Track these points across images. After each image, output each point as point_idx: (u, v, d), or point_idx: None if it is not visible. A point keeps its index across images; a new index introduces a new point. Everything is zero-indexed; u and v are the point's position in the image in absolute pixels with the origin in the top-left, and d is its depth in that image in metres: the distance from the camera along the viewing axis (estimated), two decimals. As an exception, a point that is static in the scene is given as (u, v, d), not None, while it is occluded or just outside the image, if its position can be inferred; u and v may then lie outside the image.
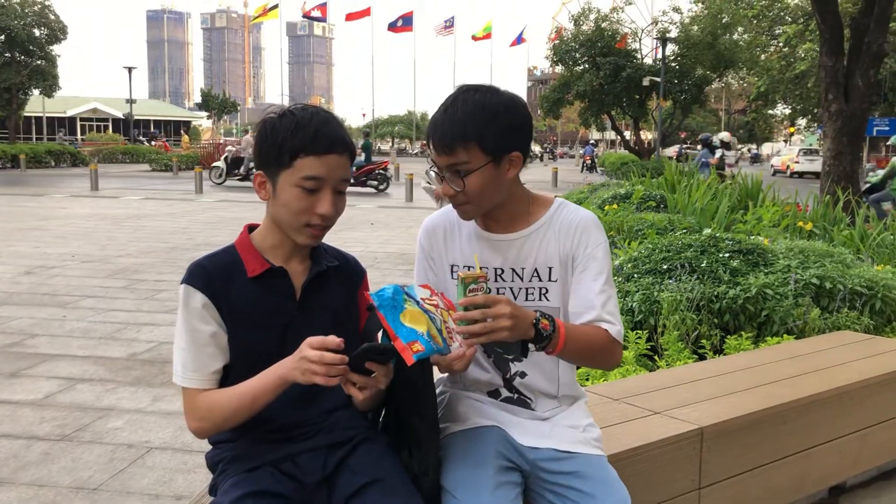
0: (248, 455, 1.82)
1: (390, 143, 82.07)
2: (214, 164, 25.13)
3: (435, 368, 1.82)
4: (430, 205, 16.54)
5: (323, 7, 63.28)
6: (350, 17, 65.38)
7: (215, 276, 1.80)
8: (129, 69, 45.80)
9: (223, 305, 1.79)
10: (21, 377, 4.96)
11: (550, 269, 1.96)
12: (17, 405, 4.45)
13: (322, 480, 1.82)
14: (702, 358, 3.97)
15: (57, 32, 38.06)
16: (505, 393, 2.02)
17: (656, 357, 4.01)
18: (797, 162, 40.42)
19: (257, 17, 61.63)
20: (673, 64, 30.36)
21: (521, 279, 1.97)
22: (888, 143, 15.51)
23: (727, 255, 4.68)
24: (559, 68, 33.17)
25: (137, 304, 7.12)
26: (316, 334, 1.75)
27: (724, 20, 28.72)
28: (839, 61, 9.87)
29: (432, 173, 1.92)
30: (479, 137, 1.81)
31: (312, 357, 1.62)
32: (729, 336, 4.12)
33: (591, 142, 52.92)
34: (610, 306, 1.93)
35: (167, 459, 3.71)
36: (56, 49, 38.73)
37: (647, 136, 40.88)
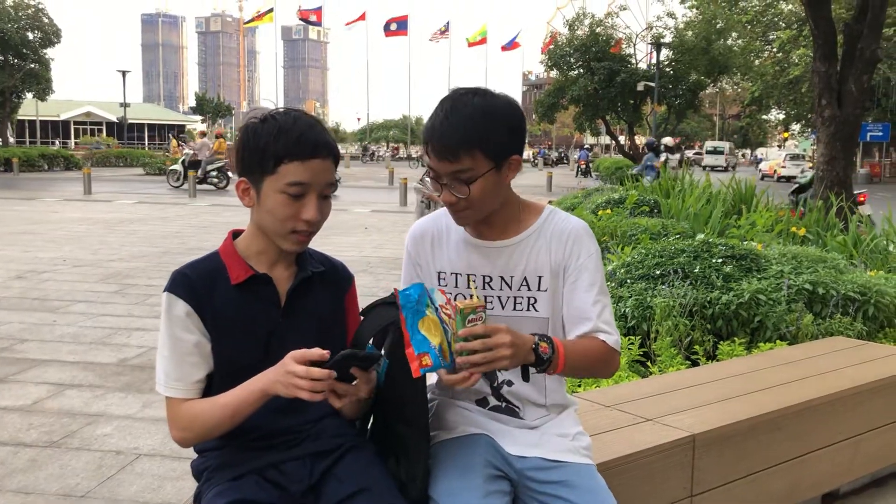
0: (234, 463, 1.79)
1: (385, 147, 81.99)
2: (171, 167, 24.92)
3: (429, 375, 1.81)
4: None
5: (318, 12, 63.39)
6: (349, 24, 65.61)
7: (198, 284, 1.77)
8: (124, 73, 45.78)
9: (206, 313, 1.76)
10: (9, 382, 4.92)
11: (540, 278, 1.93)
12: (4, 411, 4.41)
13: (308, 489, 1.79)
14: (694, 364, 3.95)
15: (50, 36, 37.99)
16: (493, 401, 2.00)
17: (649, 363, 3.99)
18: (783, 167, 41.54)
19: (252, 20, 61.69)
20: (667, 69, 30.46)
21: (510, 287, 1.94)
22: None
23: (720, 260, 4.67)
24: (554, 73, 33.24)
25: (128, 308, 7.08)
26: (301, 341, 1.73)
27: (718, 25, 28.85)
28: (832, 67, 9.89)
29: (427, 180, 1.88)
30: (484, 143, 1.78)
31: (298, 372, 1.60)
32: (722, 342, 4.10)
33: (587, 146, 53.00)
34: (605, 315, 1.92)
35: (156, 466, 3.68)
36: (50, 52, 38.67)
37: (641, 140, 40.94)
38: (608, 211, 8.23)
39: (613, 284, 4.67)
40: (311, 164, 1.73)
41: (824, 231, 7.29)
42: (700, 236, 5.45)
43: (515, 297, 1.94)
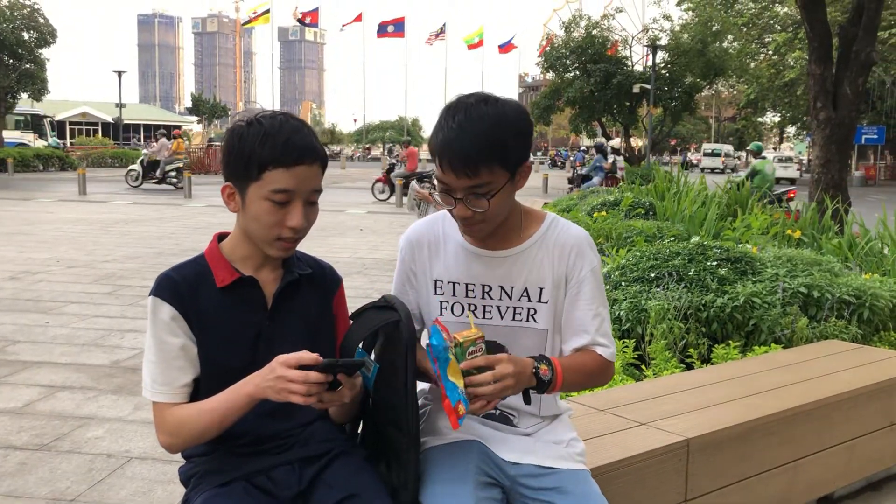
0: (221, 469, 1.77)
1: (381, 148, 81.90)
2: (131, 167, 24.84)
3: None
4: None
5: (314, 13, 63.36)
6: (345, 26, 65.68)
7: (183, 288, 1.75)
8: (119, 73, 45.68)
9: (192, 317, 1.74)
10: (0, 385, 4.88)
11: (541, 289, 1.90)
12: (-5, 413, 4.37)
13: (297, 495, 1.77)
14: (689, 367, 3.94)
15: (46, 36, 37.86)
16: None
17: (643, 366, 3.97)
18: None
19: (249, 21, 61.65)
20: (663, 71, 30.46)
21: (510, 298, 1.91)
22: (748, 149, 17.07)
23: (715, 263, 4.65)
24: (550, 75, 33.23)
25: (122, 310, 7.05)
26: (289, 344, 1.71)
27: (714, 28, 28.85)
28: (828, 69, 9.90)
29: (436, 193, 1.84)
30: (502, 156, 1.72)
31: (293, 376, 1.57)
32: (716, 345, 4.09)
33: (583, 148, 53.04)
34: (604, 328, 1.92)
35: (147, 470, 3.65)
36: (45, 53, 38.56)
37: (637, 143, 40.99)
38: (603, 213, 8.23)
39: (608, 287, 4.65)
40: (297, 170, 1.70)
41: (819, 234, 7.29)
42: (695, 239, 5.44)
43: (515, 308, 1.91)
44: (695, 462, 2.55)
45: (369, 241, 12.42)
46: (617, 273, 4.80)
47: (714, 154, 56.17)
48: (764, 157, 14.13)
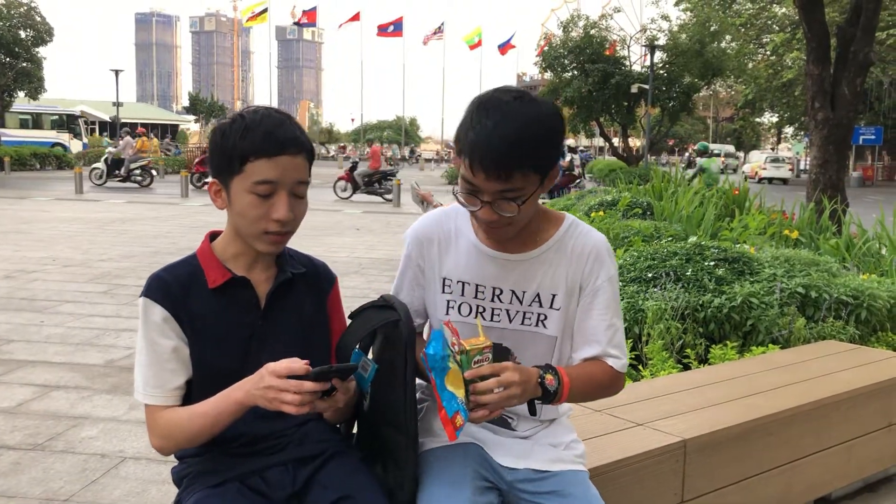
0: (214, 470, 1.76)
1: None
2: (94, 165, 24.73)
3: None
4: (416, 210, 16.49)
5: (312, 12, 63.30)
6: (342, 25, 65.58)
7: (175, 289, 1.73)
8: (117, 72, 45.56)
9: (184, 318, 1.72)
10: (-5, 384, 4.86)
11: (554, 296, 1.84)
12: (-11, 413, 4.35)
13: (291, 496, 1.76)
14: (686, 367, 3.93)
15: (43, 34, 37.78)
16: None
17: (640, 366, 3.96)
18: (764, 168, 43.17)
19: (248, 21, 61.56)
20: (661, 71, 30.48)
21: (521, 302, 1.85)
22: (694, 148, 17.94)
23: (712, 263, 4.64)
24: (548, 75, 33.24)
25: (117, 309, 7.02)
26: (283, 345, 1.70)
27: (712, 28, 28.86)
28: (826, 70, 9.90)
29: (461, 198, 1.72)
30: (537, 161, 1.64)
31: (284, 386, 1.55)
32: (714, 345, 4.08)
33: (581, 148, 53.09)
34: (616, 339, 1.87)
35: (141, 470, 3.63)
36: (42, 51, 38.48)
37: (635, 143, 41.00)
38: (601, 213, 8.22)
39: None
40: (279, 160, 1.67)
41: (817, 234, 7.29)
42: (692, 239, 5.43)
43: (525, 313, 1.86)
44: (692, 463, 2.53)
45: (366, 241, 12.40)
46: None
47: (714, 154, 56.43)
48: (710, 157, 15.57)
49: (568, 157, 22.95)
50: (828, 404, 3.02)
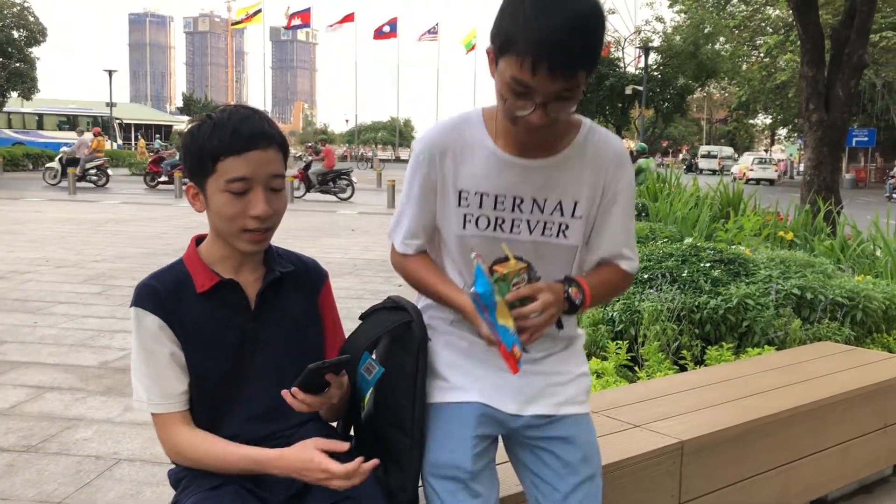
0: (212, 472, 1.74)
1: (375, 148, 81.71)
2: (48, 164, 24.68)
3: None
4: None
5: (306, 13, 63.19)
6: (333, 25, 65.38)
7: (165, 296, 1.71)
8: (110, 72, 45.48)
9: (176, 325, 1.71)
10: (-12, 385, 4.83)
11: (576, 203, 1.76)
12: (-18, 414, 4.33)
13: (290, 498, 1.75)
14: (682, 369, 3.93)
15: (36, 34, 37.66)
16: None
17: (636, 368, 3.96)
18: (752, 170, 43.55)
19: (241, 21, 61.44)
20: (655, 73, 30.58)
21: (542, 211, 1.75)
22: (633, 149, 18.65)
23: (708, 264, 4.65)
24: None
25: (111, 310, 7.00)
26: (275, 346, 1.72)
27: (706, 30, 28.98)
28: (820, 72, 9.92)
29: (511, 102, 1.57)
30: (597, 56, 1.56)
31: (340, 472, 1.58)
32: (710, 347, 4.08)
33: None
34: (630, 241, 1.86)
35: (135, 472, 3.61)
36: (35, 51, 38.37)
37: (629, 144, 41.14)
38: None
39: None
40: (250, 156, 1.65)
41: (812, 235, 7.31)
42: (688, 240, 5.44)
43: (546, 223, 1.76)
44: (689, 464, 2.54)
45: (361, 242, 12.39)
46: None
47: (710, 156, 56.66)
48: (648, 157, 17.30)
49: None
50: (824, 406, 3.02)
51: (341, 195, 21.13)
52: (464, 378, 1.82)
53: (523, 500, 1.91)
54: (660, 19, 31.06)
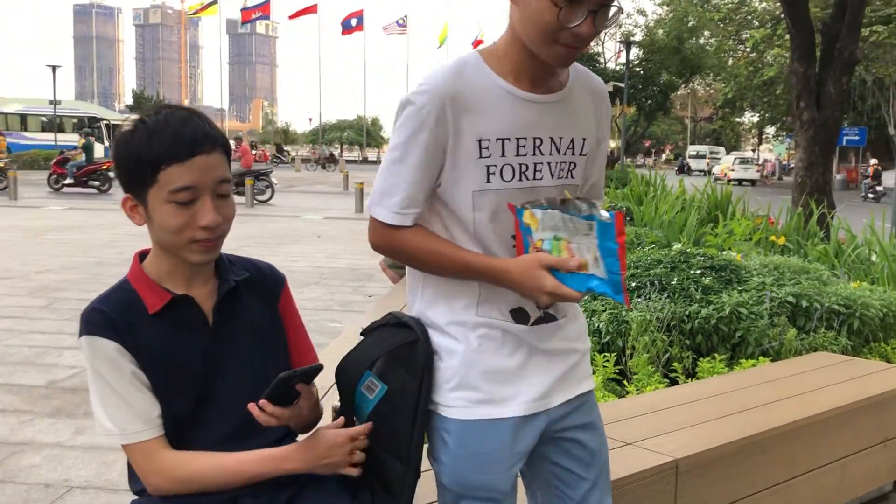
0: (181, 502, 1.72)
1: (339, 149, 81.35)
2: None
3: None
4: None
5: (266, 6, 62.82)
6: (294, 15, 64.94)
7: (116, 321, 1.66)
8: (54, 68, 44.89)
9: (132, 350, 1.66)
10: (-75, 408, 4.74)
11: (584, 140, 1.77)
12: (-81, 440, 4.24)
13: None
14: (673, 382, 3.96)
15: (-27, 27, 37.16)
16: (534, 313, 1.75)
17: (625, 381, 3.98)
18: (733, 170, 44.34)
19: (195, 12, 60.92)
20: (637, 69, 30.86)
21: (558, 151, 1.73)
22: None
23: (698, 271, 4.69)
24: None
25: (59, 325, 6.90)
26: (239, 360, 1.72)
27: (690, 24, 29.32)
28: (811, 68, 10.08)
29: (563, 14, 1.56)
30: None
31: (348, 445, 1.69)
32: (702, 358, 4.12)
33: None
34: (601, 192, 1.94)
35: (89, 500, 3.56)
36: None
37: (610, 144, 41.50)
38: (578, 218, 8.27)
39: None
40: (194, 162, 1.61)
41: (804, 240, 7.41)
42: (677, 246, 5.49)
43: (560, 163, 1.74)
44: (684, 483, 2.55)
45: (327, 249, 12.35)
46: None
47: (699, 156, 57.41)
48: None
49: None
50: (822, 420, 3.06)
51: (260, 197, 21.43)
52: (501, 387, 1.73)
53: None
54: (641, 12, 31.36)
